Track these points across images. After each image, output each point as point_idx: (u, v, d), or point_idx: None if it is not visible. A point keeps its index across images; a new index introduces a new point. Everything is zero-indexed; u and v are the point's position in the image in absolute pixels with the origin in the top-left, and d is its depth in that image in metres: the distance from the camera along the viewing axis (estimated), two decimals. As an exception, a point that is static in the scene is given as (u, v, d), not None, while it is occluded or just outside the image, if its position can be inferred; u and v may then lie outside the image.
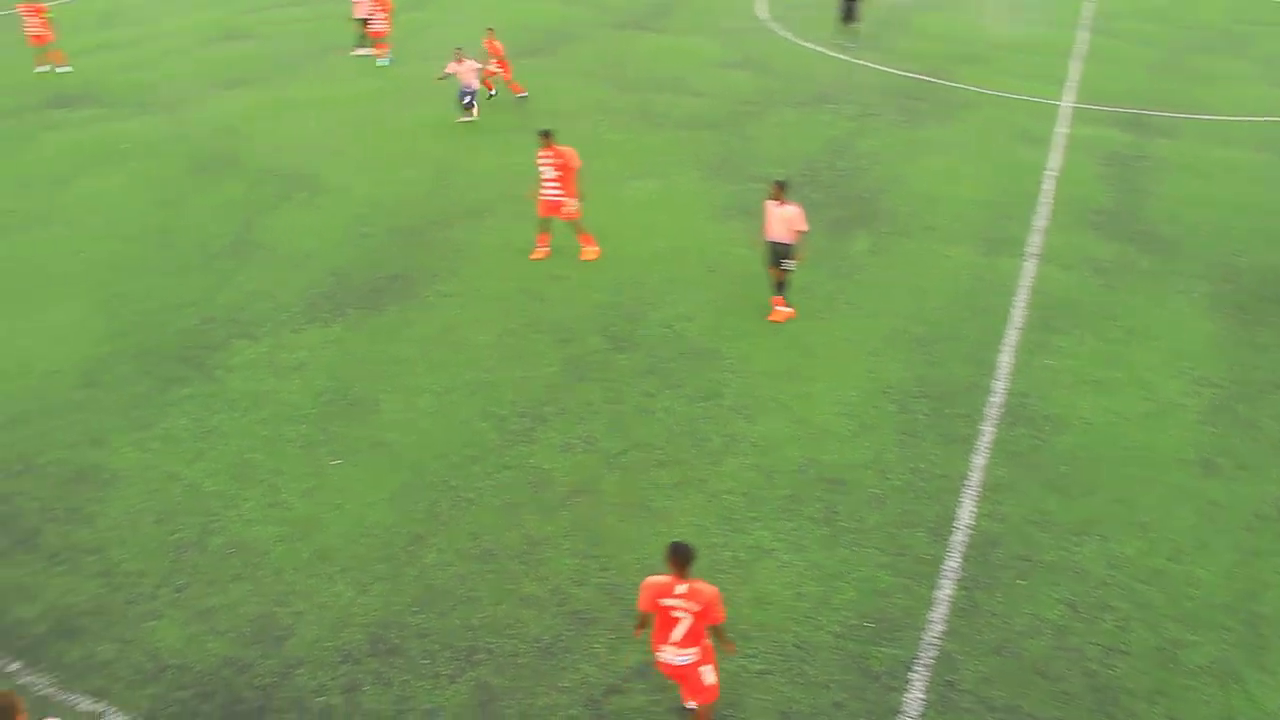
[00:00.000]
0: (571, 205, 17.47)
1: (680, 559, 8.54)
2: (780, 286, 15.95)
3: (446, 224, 19.39)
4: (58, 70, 29.88)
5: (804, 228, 15.35)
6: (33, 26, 29.69)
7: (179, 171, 22.48)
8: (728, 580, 10.82)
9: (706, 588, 8.65)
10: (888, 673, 10.06)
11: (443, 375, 14.76)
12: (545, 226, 17.89)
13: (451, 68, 24.42)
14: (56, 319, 16.65)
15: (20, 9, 30.12)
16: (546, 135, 17.31)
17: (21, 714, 7.50)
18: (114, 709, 9.86)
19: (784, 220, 15.30)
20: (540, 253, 17.99)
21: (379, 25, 29.88)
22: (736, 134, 23.81)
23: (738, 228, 18.98)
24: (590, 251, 17.91)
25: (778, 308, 16.01)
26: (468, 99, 24.80)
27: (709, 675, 8.91)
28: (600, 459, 12.93)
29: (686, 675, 8.91)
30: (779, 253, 15.60)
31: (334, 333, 15.95)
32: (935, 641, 10.40)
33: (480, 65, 24.88)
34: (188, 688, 10.04)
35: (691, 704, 9.24)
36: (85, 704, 9.90)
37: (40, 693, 9.97)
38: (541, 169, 17.37)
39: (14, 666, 10.32)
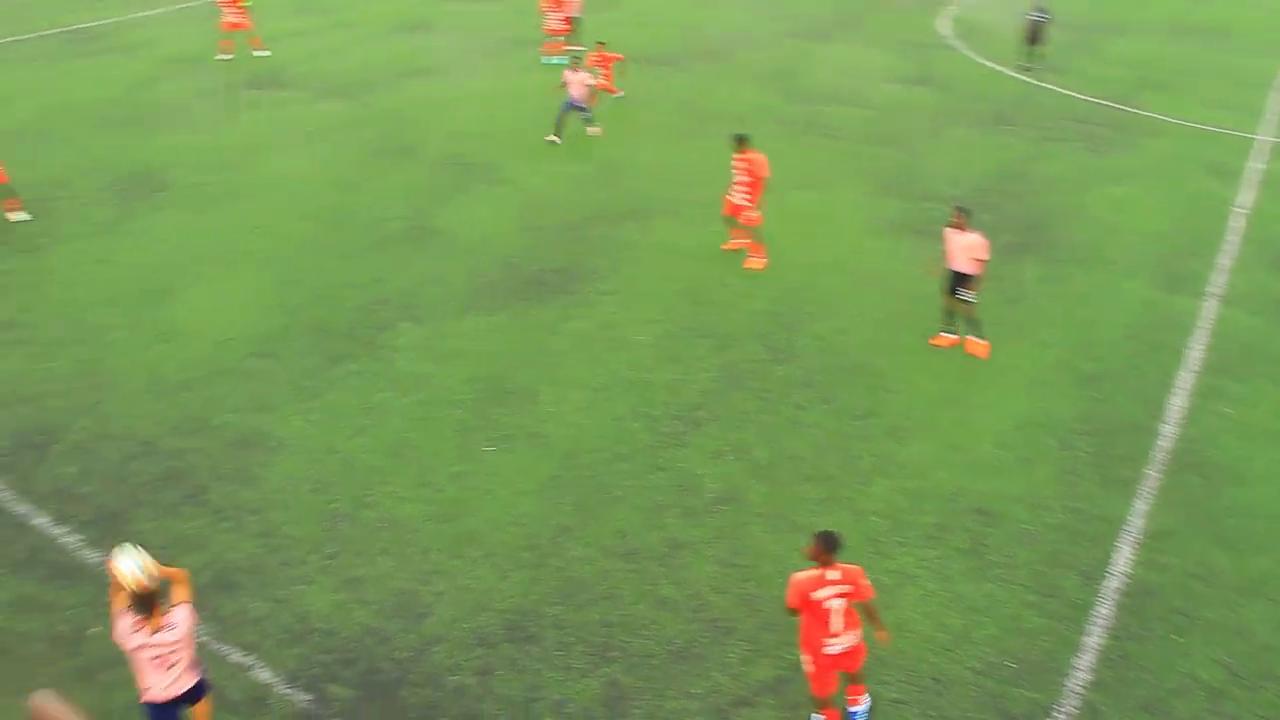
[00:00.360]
0: (753, 212, 17.55)
1: (830, 546, 8.79)
2: (951, 315, 15.64)
3: (613, 222, 19.67)
4: (256, 54, 31.28)
5: (984, 257, 14.97)
6: (230, 14, 31.16)
7: (360, 155, 23.34)
8: (868, 602, 10.75)
9: (852, 566, 8.90)
10: (1026, 716, 9.85)
11: (599, 371, 15.01)
12: (731, 224, 18.11)
13: (568, 76, 23.89)
14: (238, 289, 17.51)
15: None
16: (741, 140, 17.49)
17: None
18: (261, 664, 10.37)
19: (964, 248, 14.94)
20: (734, 245, 18.30)
21: (556, 24, 30.33)
22: (908, 150, 23.50)
23: (902, 245, 18.77)
24: (756, 262, 17.94)
25: (943, 333, 15.75)
26: (581, 113, 23.95)
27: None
28: (749, 468, 12.97)
29: (853, 656, 9.09)
30: (957, 281, 15.25)
31: (497, 321, 16.36)
32: (1079, 690, 10.13)
33: (592, 80, 24.27)
34: (331, 652, 10.49)
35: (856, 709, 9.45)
36: (236, 656, 10.45)
37: (200, 640, 10.52)
38: (735, 172, 17.49)
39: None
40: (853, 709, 9.65)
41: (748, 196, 17.52)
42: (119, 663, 10.13)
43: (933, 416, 14.04)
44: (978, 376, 15.01)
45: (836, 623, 8.82)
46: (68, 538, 12.03)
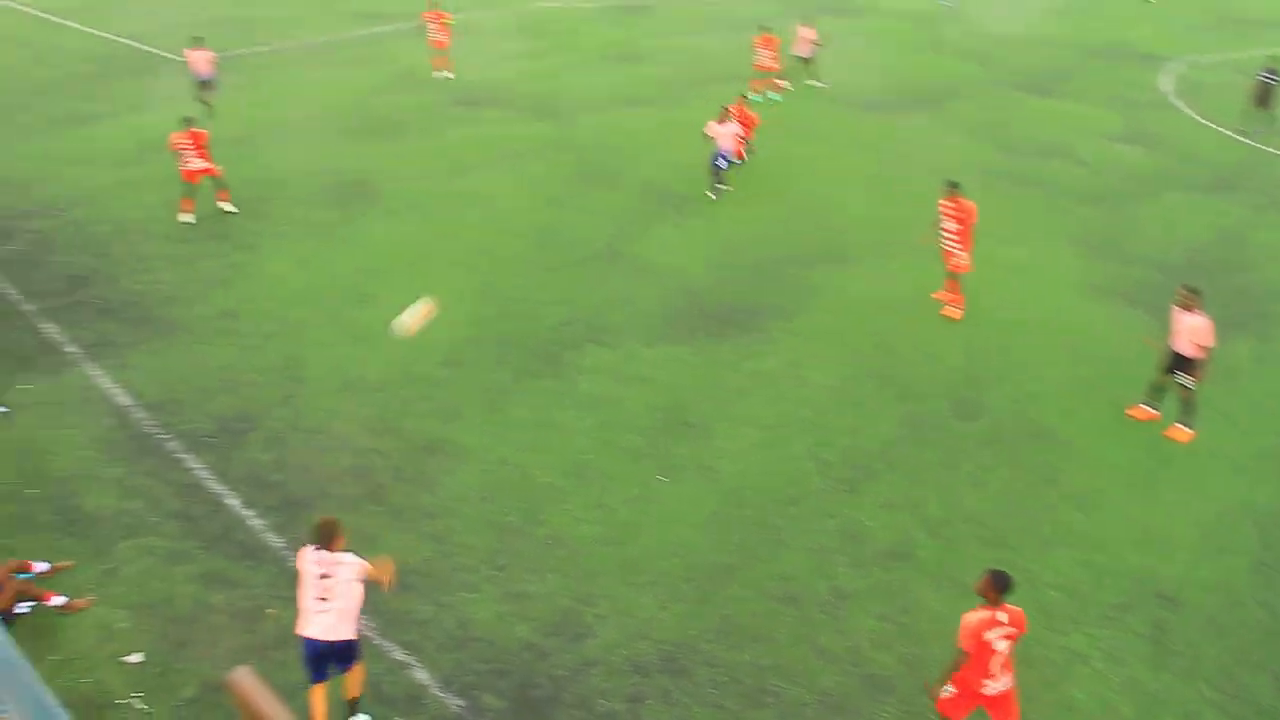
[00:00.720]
0: (963, 259, 17.24)
1: (1004, 587, 8.81)
2: (1159, 391, 14.77)
3: (807, 263, 19.55)
4: (444, 76, 32.49)
5: (1209, 343, 14.00)
6: (434, 32, 32.47)
7: (564, 177, 23.89)
8: (1035, 679, 10.32)
9: (1016, 608, 8.87)
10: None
11: (778, 411, 14.91)
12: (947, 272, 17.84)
13: (712, 128, 22.82)
14: (437, 299, 18.06)
15: (425, 16, 32.89)
16: (952, 187, 17.26)
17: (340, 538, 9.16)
18: (420, 664, 10.67)
19: (1189, 330, 14.07)
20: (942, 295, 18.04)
21: (767, 61, 30.38)
22: (1120, 211, 22.61)
23: (1107, 310, 18.05)
24: (954, 311, 17.58)
25: (1144, 405, 14.98)
26: (724, 165, 22.83)
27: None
28: (922, 524, 12.66)
29: (1006, 702, 9.01)
30: (1176, 362, 14.38)
31: (681, 352, 16.45)
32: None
33: (740, 133, 23.10)
34: (488, 662, 10.69)
35: None
36: (397, 653, 10.77)
37: (364, 635, 10.88)
38: (943, 219, 17.23)
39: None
40: None
41: (957, 243, 17.19)
42: (289, 644, 10.59)
43: (1122, 491, 13.42)
44: (1175, 455, 14.28)
45: (996, 665, 8.85)
46: (256, 520, 12.65)
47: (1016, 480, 13.52)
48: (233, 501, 13.02)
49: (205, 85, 27.88)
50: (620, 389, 15.46)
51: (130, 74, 34.06)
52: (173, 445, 14.15)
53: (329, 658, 9.52)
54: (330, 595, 9.28)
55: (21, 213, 22.24)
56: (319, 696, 9.60)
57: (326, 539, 9.34)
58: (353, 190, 23.11)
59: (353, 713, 9.88)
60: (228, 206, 21.77)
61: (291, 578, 11.59)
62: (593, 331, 17.05)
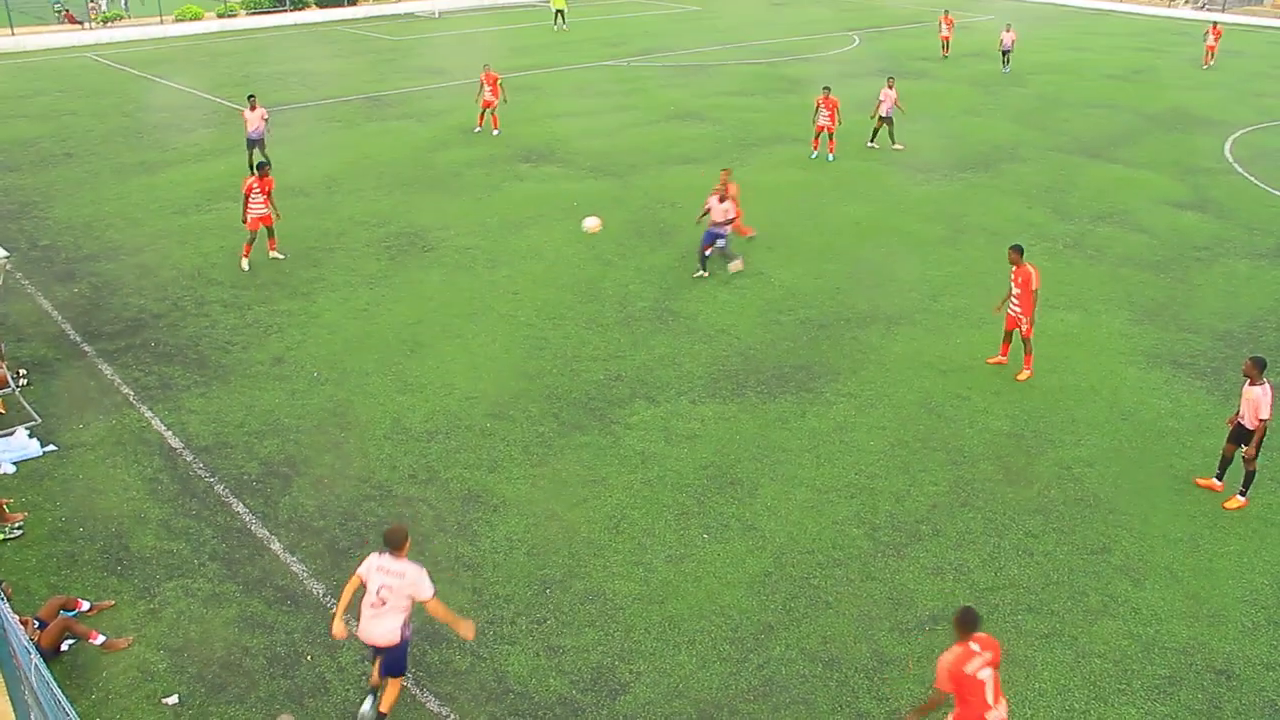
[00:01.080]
0: (1025, 323, 17.11)
1: (970, 623, 9.04)
2: (1225, 462, 14.47)
3: (858, 324, 19.45)
4: (493, 132, 33.07)
5: (1265, 415, 13.69)
6: (486, 92, 33.04)
7: (617, 234, 24.02)
8: (1083, 752, 10.03)
9: (985, 635, 9.21)
10: None
11: (825, 472, 14.77)
12: (1007, 338, 17.73)
13: (711, 203, 21.35)
14: (486, 350, 18.23)
15: (483, 77, 33.41)
16: (1017, 251, 17.14)
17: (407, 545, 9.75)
18: (454, 717, 10.55)
19: (1249, 401, 13.81)
20: (996, 359, 17.94)
21: (825, 121, 30.46)
22: (1178, 279, 22.29)
23: (1163, 378, 17.73)
24: (1025, 374, 17.47)
25: (1215, 478, 14.61)
26: (720, 243, 21.51)
27: None
28: (969, 590, 12.42)
29: None
30: (1239, 435, 14.11)
31: (729, 410, 16.38)
32: None
33: (730, 208, 21.42)
34: (523, 715, 10.59)
35: None
36: (432, 704, 10.69)
37: (401, 685, 10.85)
38: (1012, 284, 17.17)
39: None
40: None
41: (1020, 307, 17.06)
42: (327, 693, 10.60)
43: (1173, 561, 13.09)
44: (1228, 525, 13.91)
45: (990, 694, 9.00)
46: (297, 566, 12.69)
47: (1065, 548, 13.24)
48: (275, 546, 13.08)
49: (256, 144, 27.95)
50: (666, 446, 15.40)
51: (198, 124, 34.89)
52: (220, 488, 14.29)
53: (380, 657, 9.93)
54: (387, 600, 9.71)
55: (87, 255, 22.76)
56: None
57: (395, 545, 9.77)
58: (407, 242, 23.41)
59: None
60: (277, 254, 22.26)
61: (331, 623, 11.65)
62: (640, 387, 17.04)
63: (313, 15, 62.70)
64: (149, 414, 16.15)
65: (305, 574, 12.56)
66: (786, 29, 56.58)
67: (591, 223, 20.26)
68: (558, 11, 59.17)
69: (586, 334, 18.87)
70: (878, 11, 62.94)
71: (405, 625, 9.87)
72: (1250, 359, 13.94)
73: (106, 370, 17.56)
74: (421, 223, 24.48)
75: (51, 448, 15.24)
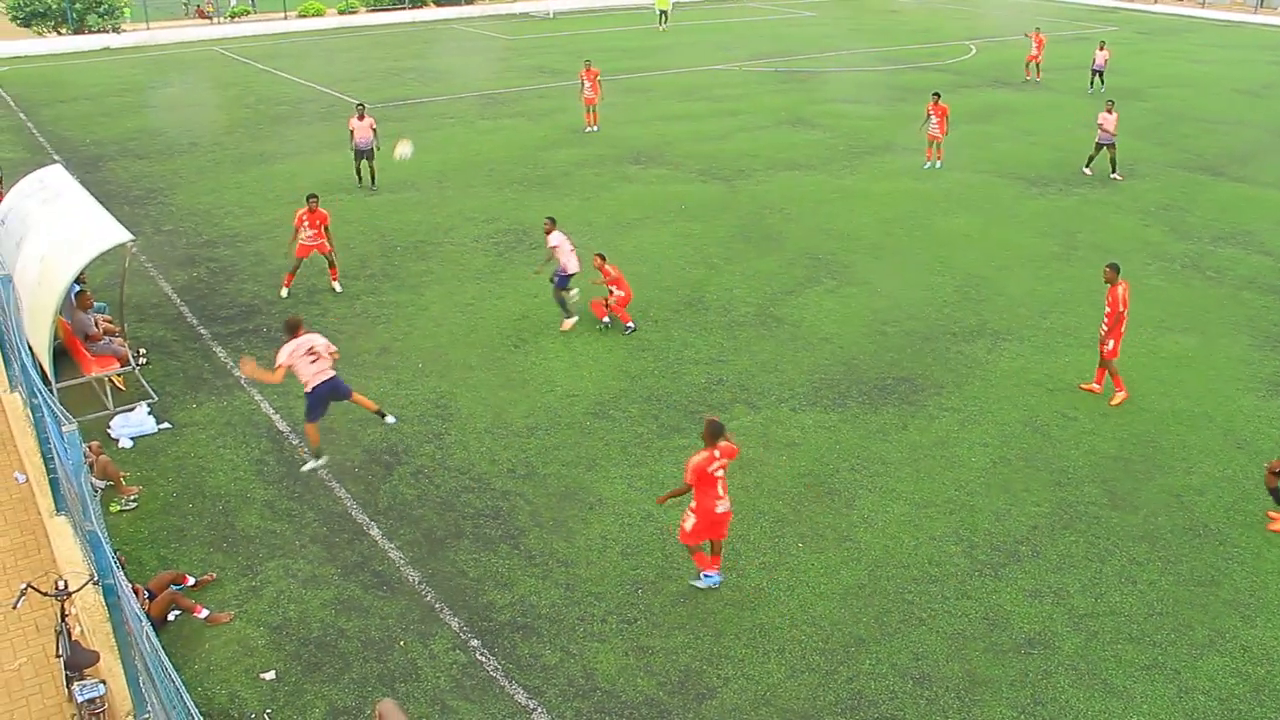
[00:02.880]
0: (1108, 344, 16.67)
1: (716, 433, 11.75)
2: None
3: (964, 338, 19.14)
4: (589, 130, 33.53)
5: None
6: (587, 90, 33.31)
7: (723, 237, 24.01)
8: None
9: (727, 444, 11.86)
10: None
11: (924, 487, 14.56)
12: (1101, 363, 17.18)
13: (555, 240, 19.26)
14: (589, 348, 18.38)
15: (583, 74, 33.73)
16: (1113, 269, 16.67)
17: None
18: (542, 710, 10.65)
19: None
20: (1089, 386, 17.33)
21: (934, 130, 30.08)
22: (1304, 305, 21.50)
23: (1282, 407, 17.14)
24: (1119, 396, 16.97)
25: None
26: (563, 284, 19.35)
27: None
28: (1067, 616, 12.13)
29: (727, 518, 12.19)
30: None
31: (830, 420, 16.25)
32: None
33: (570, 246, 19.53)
34: (609, 713, 10.62)
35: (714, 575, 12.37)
36: (520, 696, 10.79)
37: (489, 675, 10.99)
38: (1105, 304, 16.72)
39: (474, 643, 11.48)
40: (710, 574, 12.34)
41: (1106, 328, 16.61)
42: (418, 678, 10.79)
43: (1289, 599, 12.62)
44: (1350, 564, 13.38)
45: (721, 488, 11.80)
46: (395, 552, 12.93)
47: (1170, 578, 12.85)
48: (374, 532, 13.34)
49: (365, 154, 27.16)
50: (765, 452, 15.33)
51: (315, 117, 35.77)
52: (324, 473, 14.61)
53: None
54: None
55: (206, 241, 23.49)
56: None
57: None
58: (515, 239, 23.69)
59: None
60: (337, 285, 21.02)
61: (424, 610, 11.86)
62: (741, 393, 16.99)
63: (430, 13, 63.82)
64: (258, 397, 16.60)
65: (402, 561, 12.79)
66: (902, 36, 55.92)
67: (403, 149, 23.90)
68: (661, 12, 59.63)
69: (689, 337, 18.88)
70: (994, 20, 61.86)
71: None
72: None
73: (220, 353, 18.10)
74: (530, 220, 24.74)
75: (166, 425, 15.77)
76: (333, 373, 14.40)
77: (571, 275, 19.18)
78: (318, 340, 14.31)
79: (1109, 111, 29.18)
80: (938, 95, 30.17)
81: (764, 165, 30.20)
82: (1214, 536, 13.67)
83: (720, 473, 11.75)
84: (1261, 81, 45.13)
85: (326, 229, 20.45)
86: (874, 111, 37.73)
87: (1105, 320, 16.63)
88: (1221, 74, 46.64)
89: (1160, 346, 18.89)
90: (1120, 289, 16.46)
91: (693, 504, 11.83)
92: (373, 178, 27.12)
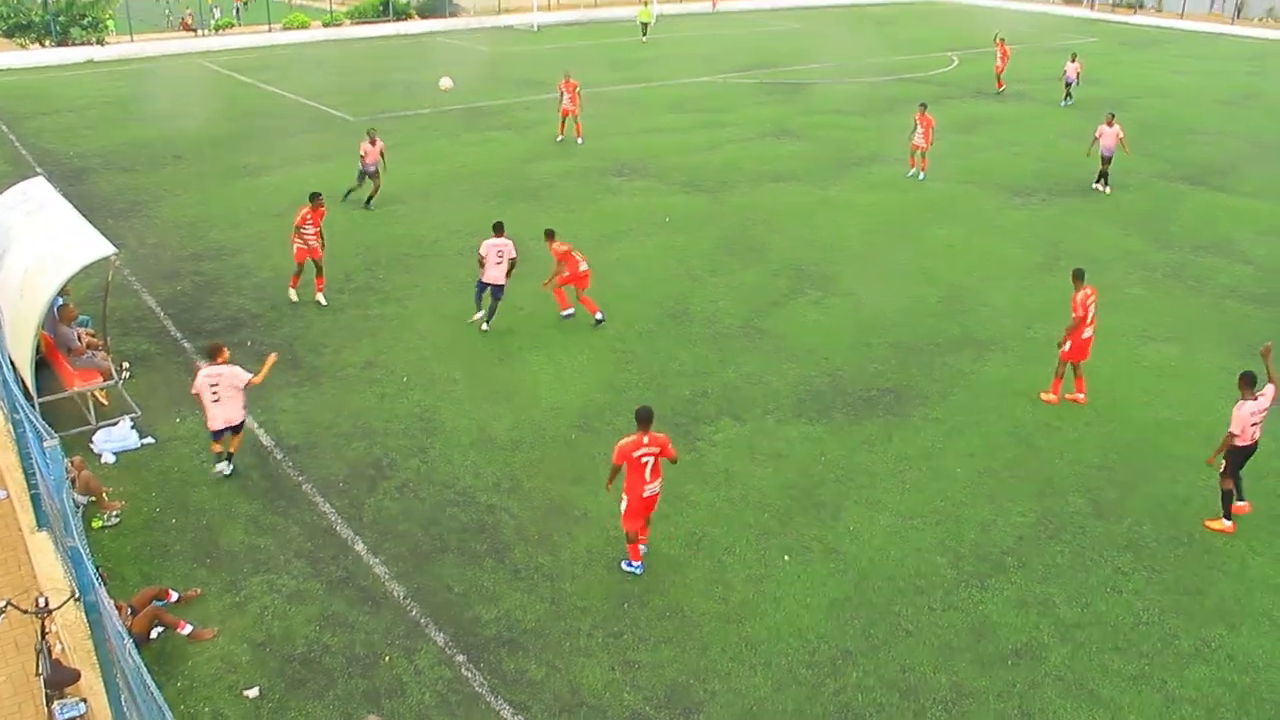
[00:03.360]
0: (1064, 345, 16.91)
1: (646, 419, 12.43)
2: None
3: (949, 349, 19.17)
4: (577, 141, 33.65)
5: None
6: (565, 101, 33.43)
7: (707, 249, 24.03)
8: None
9: (659, 435, 12.52)
10: None
11: (910, 498, 14.57)
12: (1076, 371, 17.33)
13: (485, 248, 19.34)
14: (574, 361, 18.34)
15: (562, 85, 33.84)
16: (1076, 275, 17.05)
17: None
18: (528, 727, 10.61)
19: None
20: (1073, 396, 17.44)
21: (918, 140, 30.30)
22: (1285, 314, 21.61)
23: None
24: (1075, 396, 17.26)
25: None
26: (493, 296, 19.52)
27: None
28: (1053, 626, 12.14)
29: (653, 500, 12.68)
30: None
31: (815, 431, 16.25)
32: None
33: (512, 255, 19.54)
34: (599, 730, 10.58)
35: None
36: (506, 712, 10.76)
37: (475, 691, 10.94)
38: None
39: (460, 658, 11.42)
40: (634, 564, 12.95)
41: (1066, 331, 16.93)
42: (403, 694, 10.74)
43: (1273, 607, 12.61)
44: (1334, 573, 13.42)
45: (649, 472, 12.33)
46: (380, 567, 12.88)
47: (1156, 588, 12.87)
48: (359, 547, 13.28)
49: (371, 176, 26.90)
50: (751, 464, 15.32)
51: (300, 130, 35.72)
52: (308, 487, 14.56)
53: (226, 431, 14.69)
54: (219, 393, 14.31)
55: (190, 255, 23.41)
56: None
57: (212, 356, 14.24)
58: (500, 251, 23.63)
59: None
60: (321, 297, 20.84)
61: (410, 625, 11.81)
62: (727, 405, 16.98)
63: (415, 25, 63.83)
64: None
65: (387, 576, 12.73)
66: (886, 48, 56.16)
67: (446, 82, 27.46)
68: (643, 24, 60.14)
69: (674, 349, 18.87)
70: (977, 33, 62.14)
71: (242, 408, 14.51)
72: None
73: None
74: (514, 233, 24.61)
75: (150, 440, 15.68)
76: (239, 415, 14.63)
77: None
78: (218, 376, 14.35)
79: (1109, 124, 29.14)
80: (924, 105, 30.43)
81: (748, 177, 30.25)
82: (1199, 545, 13.72)
83: (648, 459, 12.30)
84: (1240, 92, 45.45)
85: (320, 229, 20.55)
86: (858, 123, 37.86)
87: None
88: (1201, 85, 46.96)
89: (1143, 356, 18.96)
90: (1080, 295, 16.68)
91: (624, 487, 12.47)
92: (371, 198, 26.94)
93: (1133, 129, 37.43)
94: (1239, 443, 13.70)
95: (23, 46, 52.90)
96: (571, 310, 19.87)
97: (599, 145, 33.25)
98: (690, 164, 31.39)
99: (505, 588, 12.57)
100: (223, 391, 14.23)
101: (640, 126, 36.43)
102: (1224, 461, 13.90)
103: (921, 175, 30.40)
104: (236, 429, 14.67)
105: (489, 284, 19.31)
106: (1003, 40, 44.74)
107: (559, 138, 33.87)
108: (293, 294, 20.99)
